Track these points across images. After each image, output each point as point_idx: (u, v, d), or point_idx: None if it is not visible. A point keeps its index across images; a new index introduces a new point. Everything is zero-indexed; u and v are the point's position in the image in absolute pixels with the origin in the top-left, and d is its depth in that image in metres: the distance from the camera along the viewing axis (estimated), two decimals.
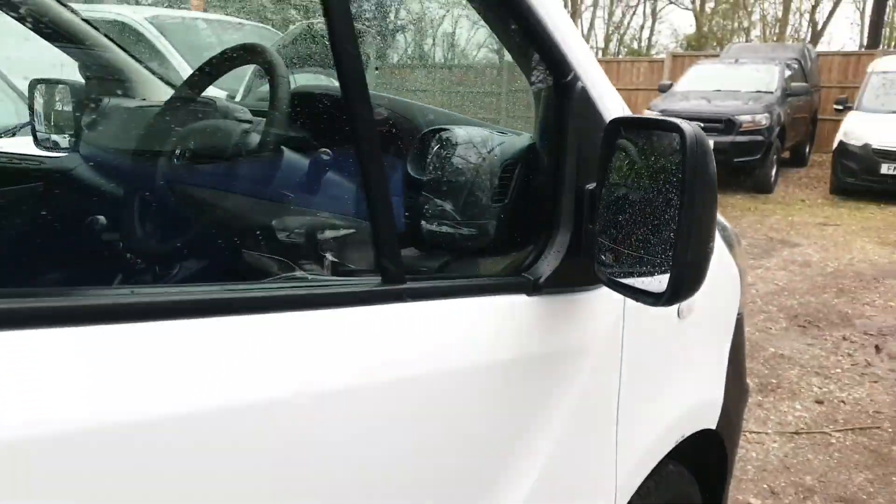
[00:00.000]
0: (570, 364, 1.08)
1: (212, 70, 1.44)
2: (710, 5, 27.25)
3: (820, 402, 3.35)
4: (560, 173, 1.00)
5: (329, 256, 1.02)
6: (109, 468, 0.59)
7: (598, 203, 0.95)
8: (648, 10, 30.13)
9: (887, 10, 19.02)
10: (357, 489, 0.79)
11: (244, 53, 1.45)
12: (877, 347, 4.05)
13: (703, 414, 1.55)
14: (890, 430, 3.09)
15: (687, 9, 27.20)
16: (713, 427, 1.59)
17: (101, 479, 0.58)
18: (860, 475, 2.73)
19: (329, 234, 1.07)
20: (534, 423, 1.03)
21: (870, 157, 8.55)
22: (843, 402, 3.36)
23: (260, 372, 0.69)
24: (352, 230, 1.06)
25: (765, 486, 2.64)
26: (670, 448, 1.43)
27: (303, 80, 1.54)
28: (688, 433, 1.48)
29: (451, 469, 0.92)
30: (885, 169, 8.48)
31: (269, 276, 1.01)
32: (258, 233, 1.10)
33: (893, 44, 22.72)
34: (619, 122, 0.94)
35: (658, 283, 0.86)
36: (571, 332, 1.08)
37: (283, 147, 1.19)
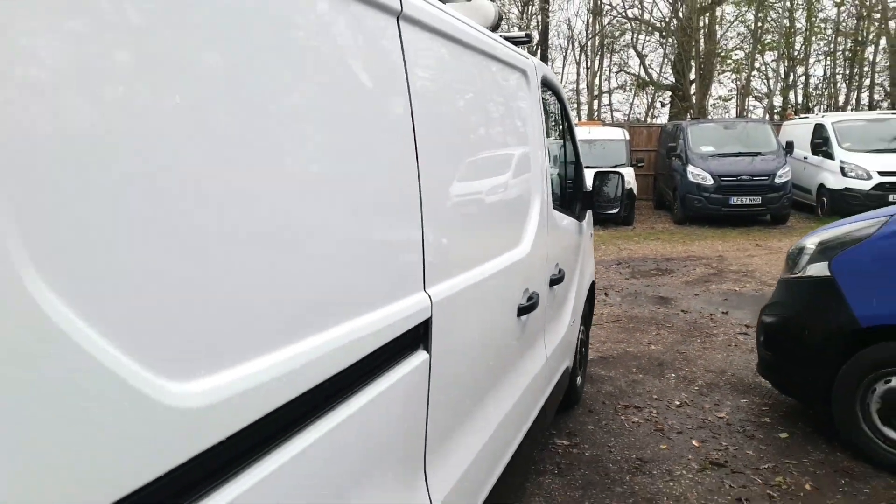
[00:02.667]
0: (583, 240, 3.84)
1: None
2: None
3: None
4: (580, 185, 3.76)
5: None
6: None
7: (593, 195, 3.72)
8: None
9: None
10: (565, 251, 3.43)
11: None
12: (605, 293, 7.47)
13: (593, 273, 4.40)
14: (625, 320, 6.35)
15: None
16: (594, 280, 4.45)
17: None
18: (620, 335, 5.89)
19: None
20: (581, 249, 3.75)
21: None
22: (602, 314, 6.59)
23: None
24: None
25: None
26: (590, 283, 4.24)
27: None
28: (592, 280, 4.31)
29: (571, 247, 3.59)
30: None
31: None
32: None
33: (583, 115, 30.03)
34: (598, 172, 3.72)
35: (614, 211, 3.66)
36: (583, 231, 3.84)
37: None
